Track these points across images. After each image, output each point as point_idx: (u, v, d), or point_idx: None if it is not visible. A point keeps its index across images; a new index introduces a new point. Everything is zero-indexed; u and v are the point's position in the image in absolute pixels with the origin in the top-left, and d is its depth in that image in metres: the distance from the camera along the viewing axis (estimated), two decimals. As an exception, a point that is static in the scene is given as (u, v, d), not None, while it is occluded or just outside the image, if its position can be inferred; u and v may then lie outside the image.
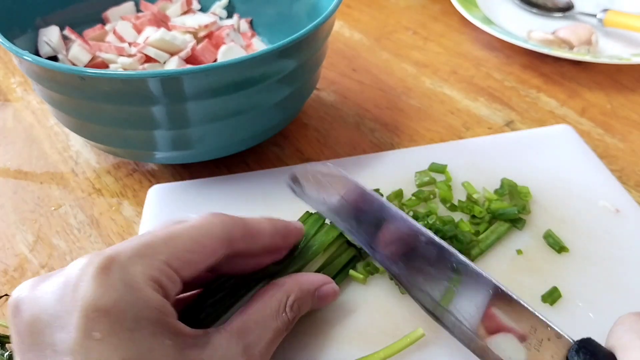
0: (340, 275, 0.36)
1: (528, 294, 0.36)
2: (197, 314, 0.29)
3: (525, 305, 0.28)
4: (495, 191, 0.43)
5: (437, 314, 0.30)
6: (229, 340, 0.26)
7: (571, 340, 0.27)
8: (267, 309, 0.28)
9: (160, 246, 0.25)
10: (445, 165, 0.45)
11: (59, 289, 0.23)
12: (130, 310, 0.23)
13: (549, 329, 0.27)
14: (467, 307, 0.29)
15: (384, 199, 0.33)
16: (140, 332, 0.22)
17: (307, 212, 0.37)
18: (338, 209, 0.34)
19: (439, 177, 0.44)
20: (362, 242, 0.33)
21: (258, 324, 0.27)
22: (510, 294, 0.28)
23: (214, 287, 0.31)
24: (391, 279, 0.36)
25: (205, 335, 0.26)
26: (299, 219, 0.36)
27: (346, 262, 0.36)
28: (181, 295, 0.30)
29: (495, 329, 0.28)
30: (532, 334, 0.27)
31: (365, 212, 0.33)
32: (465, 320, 0.29)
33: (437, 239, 0.31)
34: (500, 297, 0.28)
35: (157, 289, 0.24)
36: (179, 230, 0.26)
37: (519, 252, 0.39)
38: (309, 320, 0.34)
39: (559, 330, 0.27)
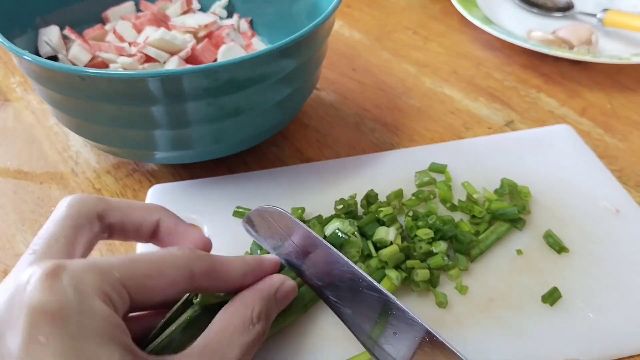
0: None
1: (528, 295, 0.36)
2: (153, 339, 0.28)
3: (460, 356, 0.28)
4: (495, 191, 0.43)
5: (370, 348, 0.30)
6: None
7: None
8: (230, 327, 0.28)
9: (117, 265, 0.24)
10: (445, 165, 0.45)
11: (8, 291, 0.23)
12: (76, 316, 0.22)
13: None
14: (400, 346, 0.29)
15: (328, 244, 0.33)
16: (85, 340, 0.22)
17: None
18: (290, 254, 0.34)
19: (439, 177, 0.44)
20: (313, 286, 0.33)
21: (222, 344, 0.27)
22: (444, 342, 0.28)
23: (175, 309, 0.30)
24: None
25: None
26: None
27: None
28: (136, 314, 0.30)
29: None
30: None
31: (314, 258, 0.33)
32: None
33: (377, 284, 0.31)
34: (435, 343, 0.28)
35: (107, 301, 0.23)
36: (140, 256, 0.26)
37: (519, 252, 0.39)
38: (297, 321, 0.35)
39: None
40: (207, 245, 0.32)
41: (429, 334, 0.28)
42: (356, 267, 0.32)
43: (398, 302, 0.30)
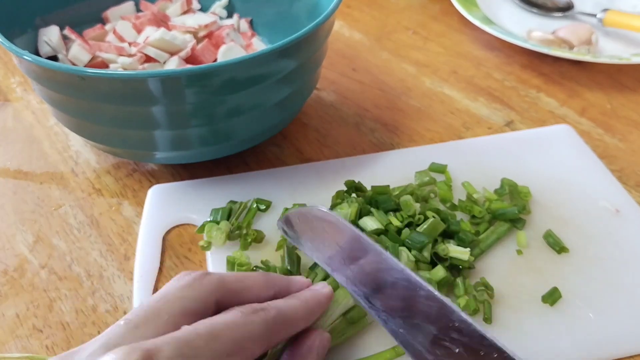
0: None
1: (528, 295, 0.36)
2: None
3: None
4: (495, 191, 0.43)
5: None
6: None
7: None
8: None
9: (202, 347, 0.23)
10: (445, 165, 0.45)
11: None
12: None
13: None
14: None
15: (381, 247, 0.31)
16: None
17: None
18: (334, 258, 0.32)
19: (439, 177, 0.44)
20: (359, 295, 0.31)
21: None
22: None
23: None
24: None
25: None
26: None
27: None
28: None
29: None
30: None
31: (362, 262, 0.31)
32: None
33: (437, 294, 0.28)
34: None
35: None
36: (221, 329, 0.24)
37: (519, 252, 0.39)
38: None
39: None
40: (322, 305, 0.31)
41: (500, 351, 0.26)
42: (414, 274, 0.30)
43: (464, 314, 0.28)
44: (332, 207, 0.40)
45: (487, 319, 0.34)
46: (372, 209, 0.39)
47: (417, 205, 0.39)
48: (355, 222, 0.38)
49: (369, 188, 0.42)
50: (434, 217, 0.38)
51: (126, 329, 0.24)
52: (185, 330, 0.24)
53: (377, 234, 0.38)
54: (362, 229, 0.38)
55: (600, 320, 0.35)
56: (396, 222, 0.38)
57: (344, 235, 0.32)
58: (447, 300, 0.28)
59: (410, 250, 0.36)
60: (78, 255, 0.41)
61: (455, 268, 0.37)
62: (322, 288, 0.31)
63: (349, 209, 0.39)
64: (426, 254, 0.36)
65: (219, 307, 0.27)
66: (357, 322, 0.33)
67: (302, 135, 0.52)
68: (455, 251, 0.36)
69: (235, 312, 0.26)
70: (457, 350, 0.27)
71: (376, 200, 0.40)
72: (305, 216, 0.34)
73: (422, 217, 0.38)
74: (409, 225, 0.38)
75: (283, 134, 0.51)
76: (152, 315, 0.25)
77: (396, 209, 0.39)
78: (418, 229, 0.38)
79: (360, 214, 0.39)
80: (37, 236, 0.43)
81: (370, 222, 0.38)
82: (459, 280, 0.36)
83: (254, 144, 0.46)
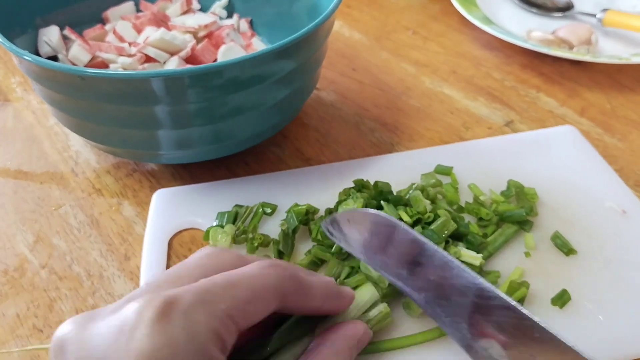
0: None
1: (537, 297, 0.36)
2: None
3: None
4: (502, 193, 0.43)
5: None
6: None
7: None
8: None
9: (221, 294, 0.23)
10: (451, 168, 0.44)
11: (111, 333, 0.21)
12: None
13: None
14: None
15: (445, 253, 0.30)
16: None
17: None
18: (385, 260, 0.32)
19: (445, 180, 0.44)
20: (416, 299, 0.31)
21: None
22: None
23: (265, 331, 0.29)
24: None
25: None
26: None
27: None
28: None
29: None
30: None
31: (421, 266, 0.30)
32: None
33: (513, 303, 0.27)
34: None
35: (217, 342, 0.22)
36: (238, 278, 0.25)
37: (527, 254, 0.39)
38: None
39: None
40: (343, 292, 0.30)
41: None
42: (484, 280, 0.29)
43: (544, 324, 0.27)
44: (338, 204, 0.40)
45: None
46: (383, 203, 0.40)
47: (428, 202, 0.39)
48: None
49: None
50: (445, 215, 0.38)
51: (147, 288, 0.24)
52: (204, 280, 0.24)
53: None
54: None
55: (610, 323, 0.35)
56: (406, 218, 0.38)
57: (402, 238, 0.32)
58: (523, 309, 0.27)
59: None
60: (78, 255, 0.41)
61: None
62: (348, 291, 0.31)
63: (354, 204, 0.39)
64: None
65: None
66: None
67: (302, 135, 0.52)
68: (467, 256, 0.36)
69: (250, 265, 0.26)
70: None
71: (386, 195, 0.40)
72: (356, 218, 0.34)
73: (432, 215, 0.39)
74: (417, 222, 0.38)
75: (283, 134, 0.51)
76: (172, 278, 0.25)
77: (406, 204, 0.40)
78: (430, 227, 0.38)
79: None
80: (38, 236, 0.43)
81: None
82: None
83: (255, 144, 0.46)
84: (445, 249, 0.37)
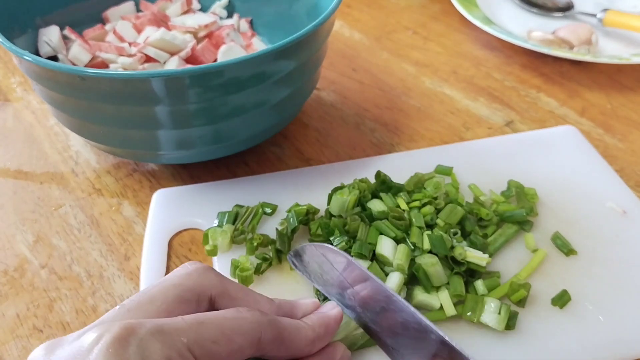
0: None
1: (537, 298, 0.36)
2: None
3: None
4: (502, 193, 0.43)
5: None
6: None
7: None
8: None
9: (184, 328, 0.23)
10: (451, 168, 0.44)
11: (71, 358, 0.22)
12: None
13: None
14: None
15: (391, 291, 0.31)
16: None
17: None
18: (341, 292, 0.32)
19: (445, 180, 0.44)
20: (368, 329, 0.31)
21: None
22: None
23: None
24: None
25: None
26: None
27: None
28: None
29: None
30: None
31: (370, 300, 0.31)
32: None
33: (448, 338, 0.28)
34: None
35: None
36: (208, 317, 0.25)
37: (535, 252, 0.39)
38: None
39: None
40: (330, 328, 0.30)
41: None
42: (424, 318, 0.29)
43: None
44: (332, 193, 0.41)
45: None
46: (382, 194, 0.41)
47: (444, 191, 0.41)
48: (355, 209, 0.40)
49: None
50: (455, 205, 0.39)
51: (119, 312, 0.25)
52: (172, 318, 0.24)
53: (383, 217, 0.39)
54: (369, 211, 0.39)
55: (610, 323, 0.35)
56: (403, 205, 0.40)
57: (354, 274, 0.32)
58: (459, 346, 0.27)
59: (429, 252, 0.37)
60: (78, 255, 0.41)
61: (470, 271, 0.37)
62: (331, 310, 0.31)
63: (348, 195, 0.39)
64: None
65: (212, 307, 0.27)
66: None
67: (302, 135, 0.52)
68: (473, 256, 0.36)
69: (229, 309, 0.26)
70: None
71: (389, 184, 0.41)
72: (314, 251, 0.34)
73: (441, 202, 0.40)
74: (424, 206, 0.40)
75: (283, 134, 0.51)
76: (145, 301, 0.25)
77: (411, 192, 0.41)
78: (440, 214, 0.39)
79: (363, 202, 0.40)
80: (37, 236, 0.43)
81: (378, 205, 0.40)
82: (479, 283, 0.36)
83: (255, 144, 0.46)
84: (451, 250, 0.37)
